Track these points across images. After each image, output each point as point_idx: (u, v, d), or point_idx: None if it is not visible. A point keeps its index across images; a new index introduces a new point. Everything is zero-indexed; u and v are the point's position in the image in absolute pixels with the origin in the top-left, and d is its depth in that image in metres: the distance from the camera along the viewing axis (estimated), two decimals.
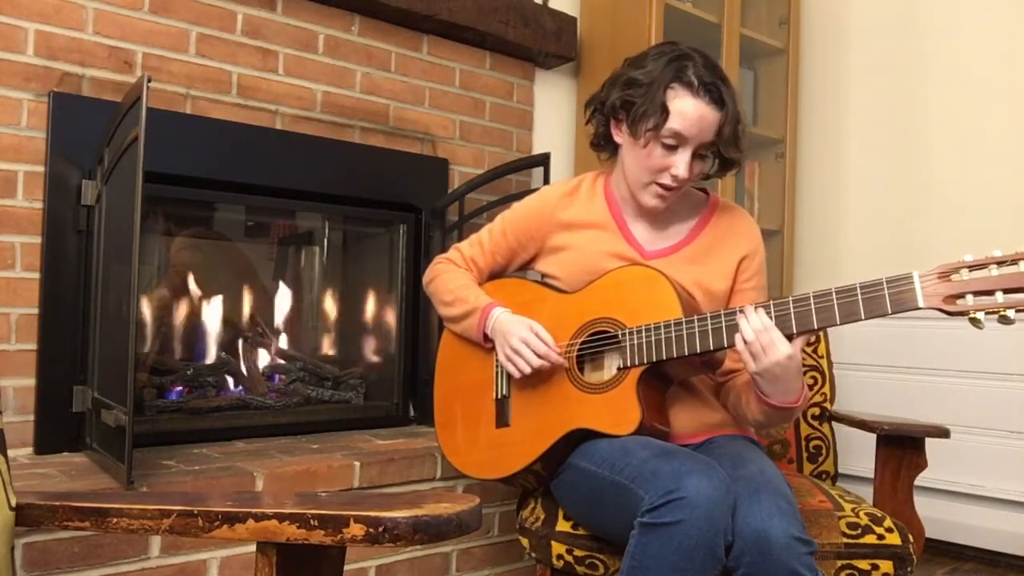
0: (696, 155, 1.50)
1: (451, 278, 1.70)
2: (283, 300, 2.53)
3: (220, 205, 2.31)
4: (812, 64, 3.32)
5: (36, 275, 1.83)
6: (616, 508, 1.37)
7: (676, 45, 1.54)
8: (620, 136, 1.58)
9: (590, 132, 1.66)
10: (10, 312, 1.80)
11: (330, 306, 2.58)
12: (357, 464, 1.85)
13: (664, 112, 1.47)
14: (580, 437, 1.50)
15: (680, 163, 1.49)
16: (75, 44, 1.88)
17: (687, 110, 1.46)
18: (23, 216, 1.82)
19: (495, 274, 1.74)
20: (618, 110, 1.55)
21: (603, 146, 1.65)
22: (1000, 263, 1.20)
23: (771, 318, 1.35)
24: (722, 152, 1.51)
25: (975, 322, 1.21)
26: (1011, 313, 1.19)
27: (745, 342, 1.35)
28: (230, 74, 2.11)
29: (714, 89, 1.47)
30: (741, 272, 1.62)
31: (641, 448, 1.38)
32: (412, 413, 2.44)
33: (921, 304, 1.24)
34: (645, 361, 1.44)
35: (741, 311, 1.37)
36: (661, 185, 1.52)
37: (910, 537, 1.53)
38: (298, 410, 2.28)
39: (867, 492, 1.89)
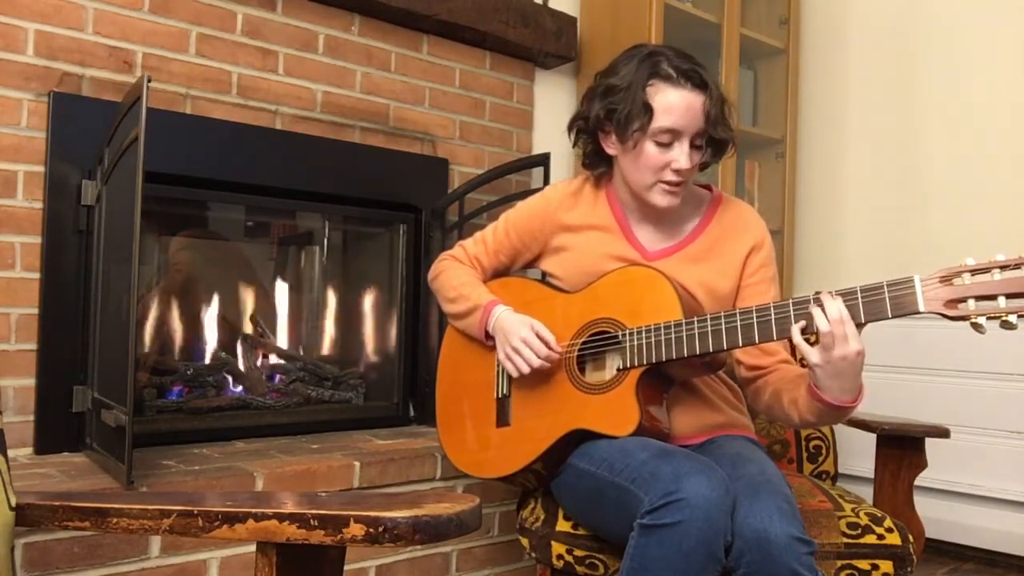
0: (692, 145, 1.49)
1: (455, 274, 1.70)
2: (283, 300, 2.53)
3: (220, 205, 2.31)
4: (812, 64, 3.32)
5: (36, 275, 1.83)
6: (615, 509, 1.37)
7: (645, 45, 1.53)
8: (611, 147, 1.57)
9: (579, 152, 1.63)
10: (10, 312, 1.80)
11: (330, 306, 2.58)
12: (357, 464, 1.85)
13: (648, 111, 1.46)
14: (580, 437, 1.50)
15: (680, 156, 1.48)
16: (75, 44, 1.88)
17: (673, 102, 1.46)
18: (23, 216, 1.82)
19: (498, 272, 1.74)
20: (603, 121, 1.53)
21: (596, 163, 1.62)
22: (1003, 267, 1.18)
23: (771, 319, 1.34)
24: (712, 135, 1.49)
25: (977, 327, 1.19)
26: (1013, 318, 1.17)
27: (817, 331, 1.28)
28: (230, 74, 2.11)
29: (693, 75, 1.47)
30: (748, 265, 1.59)
31: (640, 449, 1.37)
32: (412, 413, 2.44)
33: (922, 308, 1.22)
34: (645, 362, 1.44)
35: (816, 297, 1.30)
36: (667, 182, 1.50)
37: (910, 537, 1.53)
38: (298, 410, 2.28)
39: (867, 492, 1.89)
